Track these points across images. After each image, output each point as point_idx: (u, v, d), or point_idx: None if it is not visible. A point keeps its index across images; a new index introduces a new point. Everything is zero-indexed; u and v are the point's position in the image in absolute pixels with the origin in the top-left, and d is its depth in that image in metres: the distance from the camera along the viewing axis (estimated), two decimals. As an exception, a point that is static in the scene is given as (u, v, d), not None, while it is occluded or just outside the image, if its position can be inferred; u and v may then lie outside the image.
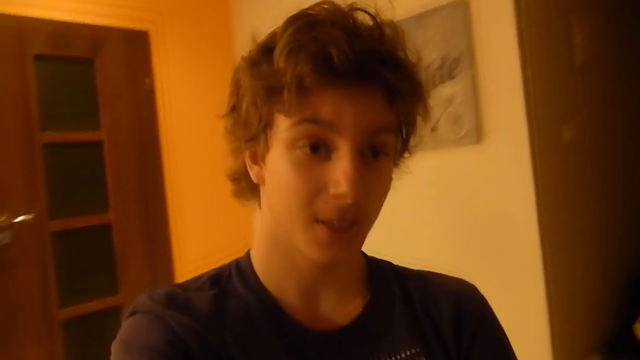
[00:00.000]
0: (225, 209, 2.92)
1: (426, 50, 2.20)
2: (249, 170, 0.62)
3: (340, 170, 0.52)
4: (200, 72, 2.90)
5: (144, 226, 2.69)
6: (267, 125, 0.57)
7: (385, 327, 0.64)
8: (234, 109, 0.60)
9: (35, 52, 2.41)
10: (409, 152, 0.64)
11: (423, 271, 0.73)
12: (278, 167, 0.56)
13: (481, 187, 2.10)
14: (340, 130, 0.53)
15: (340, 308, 0.64)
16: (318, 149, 0.54)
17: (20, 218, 2.31)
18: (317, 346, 0.60)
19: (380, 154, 0.56)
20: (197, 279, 0.65)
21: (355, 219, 0.55)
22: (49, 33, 2.46)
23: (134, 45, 2.71)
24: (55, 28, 2.47)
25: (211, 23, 3.01)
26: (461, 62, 2.10)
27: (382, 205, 0.59)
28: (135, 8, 2.71)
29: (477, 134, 2.08)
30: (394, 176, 0.63)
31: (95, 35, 2.58)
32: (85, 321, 2.51)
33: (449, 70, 2.14)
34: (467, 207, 2.14)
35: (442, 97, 2.16)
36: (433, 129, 2.20)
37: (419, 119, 0.62)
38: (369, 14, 0.57)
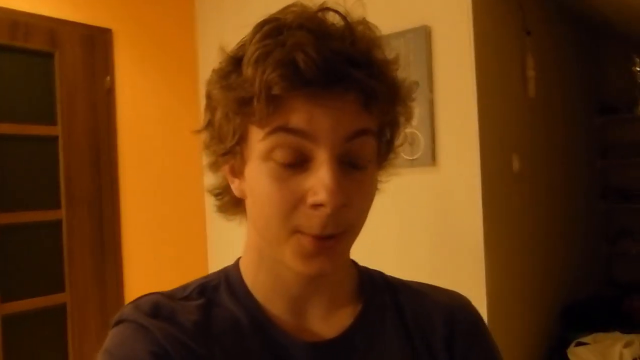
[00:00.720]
0: (176, 213, 2.90)
1: (388, 71, 2.27)
2: (230, 184, 0.60)
3: (318, 180, 0.50)
4: (161, 76, 2.88)
5: (94, 226, 2.64)
6: (241, 138, 0.55)
7: (376, 339, 0.62)
8: (209, 123, 0.58)
9: (-8, 41, 2.35)
10: (395, 154, 0.62)
11: (416, 283, 0.71)
12: (255, 180, 0.54)
13: (433, 208, 2.17)
14: (316, 138, 0.51)
15: (330, 320, 0.62)
16: (294, 159, 0.52)
17: (-36, 210, 2.24)
18: (304, 358, 0.59)
19: (359, 162, 0.54)
20: (184, 287, 0.63)
21: (339, 228, 0.52)
22: (8, 22, 2.39)
23: (96, 43, 2.67)
24: (15, 18, 2.41)
25: (176, 28, 2.99)
26: (420, 85, 2.17)
27: (366, 213, 0.56)
28: (101, 5, 2.67)
29: (432, 156, 2.15)
30: (382, 178, 0.62)
31: (56, 29, 2.53)
32: (28, 318, 2.44)
33: (409, 91, 2.21)
34: (418, 225, 2.21)
35: (400, 118, 2.23)
36: (402, 145, 2.25)
37: (402, 119, 0.60)
38: (339, 13, 0.54)
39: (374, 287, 0.67)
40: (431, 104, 2.16)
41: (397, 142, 0.62)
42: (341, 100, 0.51)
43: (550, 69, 2.63)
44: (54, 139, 2.53)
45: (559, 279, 2.67)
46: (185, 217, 2.95)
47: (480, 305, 2.02)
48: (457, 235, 2.11)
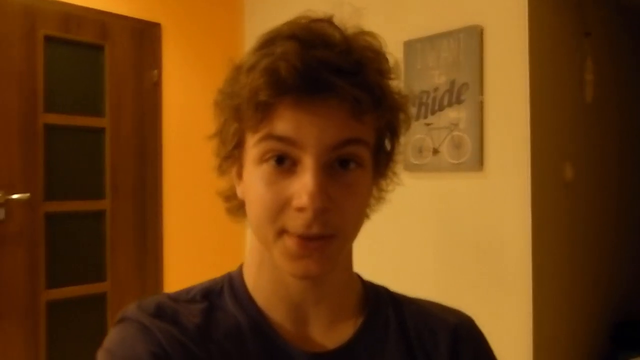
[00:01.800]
0: (218, 207, 2.91)
1: (436, 72, 2.20)
2: (236, 187, 0.63)
3: (301, 184, 0.52)
4: (208, 71, 2.90)
5: (137, 217, 2.69)
6: (239, 143, 0.58)
7: (377, 353, 0.63)
8: (217, 130, 0.62)
9: (46, 32, 2.41)
10: (394, 162, 0.63)
11: (421, 299, 0.71)
12: (250, 183, 0.57)
13: (478, 214, 2.10)
14: (302, 146, 0.52)
15: (332, 330, 0.63)
16: (283, 162, 0.54)
17: (15, 196, 2.31)
18: None
19: (349, 164, 0.55)
20: (189, 290, 0.64)
21: (326, 232, 0.54)
22: (61, 15, 2.46)
23: (145, 37, 2.71)
24: (68, 11, 2.47)
25: (224, 23, 3.01)
26: (470, 87, 2.10)
27: (358, 217, 0.57)
28: (151, 0, 2.71)
29: (479, 161, 2.07)
30: (389, 188, 0.64)
31: (107, 22, 2.58)
32: (70, 305, 2.50)
33: (457, 94, 2.14)
34: (463, 232, 2.14)
35: (447, 120, 2.16)
36: (436, 151, 2.20)
37: (401, 128, 0.61)
38: (331, 23, 0.55)
39: (378, 301, 0.68)
40: (480, 107, 2.08)
41: (396, 150, 0.63)
42: (327, 108, 0.52)
43: (609, 73, 2.50)
44: (101, 131, 2.58)
45: (611, 294, 2.54)
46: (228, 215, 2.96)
47: (526, 321, 1.94)
48: (502, 246, 2.03)
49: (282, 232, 0.54)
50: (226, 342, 0.58)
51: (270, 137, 0.53)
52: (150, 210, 2.73)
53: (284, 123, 0.52)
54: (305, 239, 0.53)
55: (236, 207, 0.65)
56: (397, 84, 0.58)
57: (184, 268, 2.76)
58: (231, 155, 0.60)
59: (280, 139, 0.53)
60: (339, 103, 0.52)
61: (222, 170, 0.64)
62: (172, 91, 2.78)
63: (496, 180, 2.05)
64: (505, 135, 2.03)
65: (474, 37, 2.09)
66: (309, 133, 0.52)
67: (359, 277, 0.70)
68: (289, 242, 0.54)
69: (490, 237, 2.06)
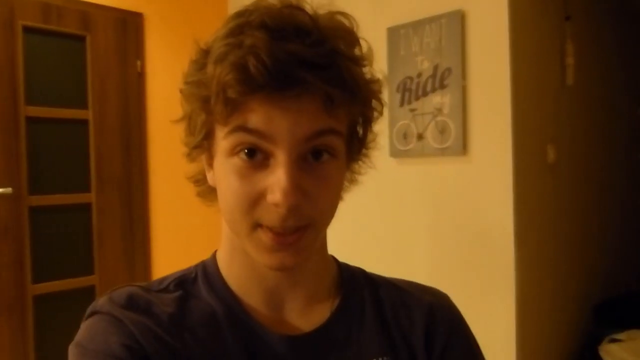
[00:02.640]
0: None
1: (420, 58, 2.22)
2: (206, 173, 0.62)
3: (275, 180, 0.51)
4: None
5: (124, 209, 2.68)
6: (208, 134, 0.56)
7: (353, 334, 0.62)
8: (185, 115, 0.59)
9: (25, 23, 2.38)
10: (367, 149, 0.63)
11: (396, 279, 0.71)
12: (221, 174, 0.56)
13: (463, 198, 2.12)
14: (274, 139, 0.51)
15: (308, 313, 0.63)
16: (254, 155, 0.52)
17: (-2, 190, 2.29)
18: (280, 352, 0.59)
19: (322, 155, 0.54)
20: (162, 280, 0.63)
21: (300, 224, 0.53)
22: (41, 5, 2.42)
23: (128, 27, 2.68)
24: (47, 1, 2.44)
25: (208, 12, 2.98)
26: (453, 72, 2.11)
27: (331, 206, 0.57)
28: (132, -12, 2.68)
29: (463, 145, 2.09)
30: (360, 171, 0.63)
31: (88, 12, 2.55)
32: (58, 298, 2.49)
33: (440, 79, 2.16)
34: (449, 215, 2.16)
35: (431, 106, 2.18)
36: (420, 137, 2.22)
37: (373, 115, 0.59)
38: (304, 12, 0.53)
39: (354, 282, 0.68)
40: (464, 91, 2.10)
41: (369, 138, 0.62)
42: (298, 102, 0.51)
43: (590, 57, 2.53)
44: (85, 123, 2.56)
45: (594, 275, 2.59)
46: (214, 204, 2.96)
47: (509, 300, 1.98)
48: (486, 228, 2.06)
49: (256, 226, 0.54)
50: (201, 330, 0.58)
51: (241, 129, 0.52)
52: (136, 202, 2.72)
53: (255, 116, 0.51)
54: (280, 233, 0.53)
55: (206, 191, 0.64)
56: (370, 70, 0.57)
57: (173, 259, 2.76)
58: (200, 145, 0.58)
59: (251, 131, 0.51)
60: (312, 96, 0.51)
61: (191, 157, 0.62)
62: (157, 81, 2.76)
63: (480, 164, 2.07)
64: (488, 119, 2.05)
65: (456, 22, 2.10)
66: (280, 127, 0.51)
67: (334, 259, 0.70)
68: (264, 237, 0.53)
69: (475, 220, 2.09)
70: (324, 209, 0.56)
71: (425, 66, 2.19)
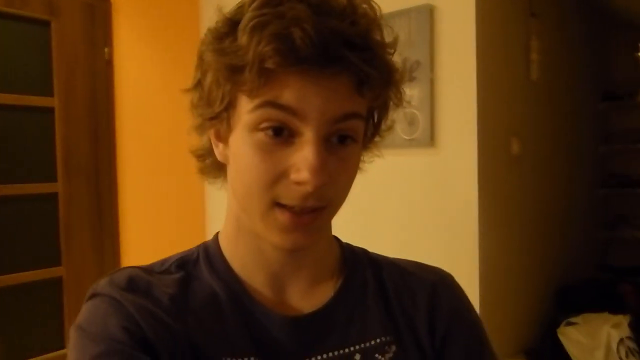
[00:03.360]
0: (175, 185, 2.90)
1: (389, 50, 2.24)
2: (214, 148, 0.60)
3: (302, 158, 0.50)
4: (162, 47, 2.85)
5: (92, 199, 2.64)
6: (229, 105, 0.54)
7: (355, 315, 0.62)
8: (198, 83, 0.57)
9: (-12, 8, 2.31)
10: (380, 136, 0.63)
11: (400, 260, 0.71)
12: (240, 149, 0.54)
13: (430, 188, 2.17)
14: (304, 117, 0.50)
15: (310, 295, 0.62)
16: (281, 133, 0.51)
17: (-40, 179, 2.23)
18: (282, 333, 0.59)
19: (347, 140, 0.53)
20: (163, 261, 0.63)
21: (319, 205, 0.53)
22: (5, -10, 2.36)
23: (95, 12, 2.63)
24: (12, -15, 2.37)
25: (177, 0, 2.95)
26: (422, 65, 2.15)
27: (348, 189, 0.57)
28: (100, -26, 2.63)
29: (431, 137, 2.14)
30: (365, 159, 0.62)
31: (55, -2, 2.49)
32: (24, 290, 2.45)
33: (409, 72, 2.19)
34: (415, 204, 2.21)
35: (400, 98, 2.21)
36: (390, 128, 2.25)
37: (392, 103, 0.59)
38: None
39: (356, 262, 0.67)
40: (432, 84, 2.13)
41: (384, 125, 0.62)
42: (334, 82, 0.50)
43: (554, 53, 2.60)
44: (51, 110, 2.51)
45: (555, 262, 2.68)
46: (184, 189, 2.94)
47: (473, 286, 2.04)
48: (453, 215, 2.11)
49: (273, 205, 0.53)
50: (203, 312, 0.58)
51: (271, 104, 0.50)
52: (105, 191, 2.69)
53: (288, 92, 0.50)
54: (298, 212, 0.52)
55: (210, 167, 0.63)
56: (395, 58, 0.56)
57: (143, 249, 2.74)
58: (218, 117, 0.55)
59: (282, 108, 0.50)
60: (347, 77, 0.50)
61: (201, 129, 0.60)
62: (126, 69, 2.72)
63: (447, 155, 2.12)
64: (455, 112, 2.10)
65: (425, 16, 2.13)
66: (313, 104, 0.50)
67: (337, 240, 0.70)
68: (281, 216, 0.53)
69: (442, 210, 2.14)
70: (342, 192, 0.56)
71: (395, 59, 2.22)
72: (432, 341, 0.63)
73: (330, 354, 0.59)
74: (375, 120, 0.60)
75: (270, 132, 0.51)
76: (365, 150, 0.62)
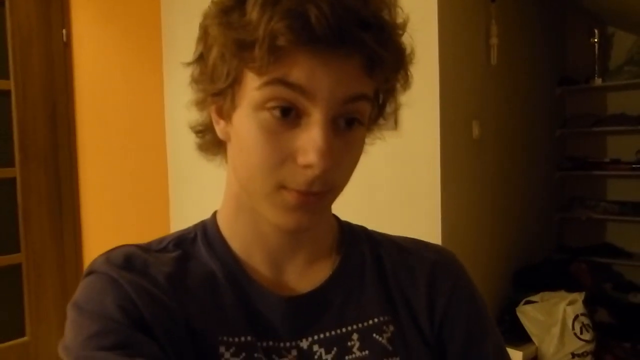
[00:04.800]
0: (137, 170, 2.86)
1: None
2: (214, 124, 0.58)
3: (310, 140, 0.49)
4: (121, 30, 2.78)
5: (50, 184, 2.59)
6: (235, 81, 0.52)
7: (353, 294, 0.62)
8: (200, 57, 0.55)
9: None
10: (384, 119, 0.62)
11: (400, 237, 0.70)
12: (244, 128, 0.52)
13: (394, 172, 2.21)
14: (313, 97, 0.49)
15: (308, 274, 0.62)
16: (288, 114, 0.50)
17: None
18: (279, 312, 0.58)
19: (354, 123, 0.52)
20: (161, 240, 0.62)
21: (325, 187, 0.52)
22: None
23: (52, -7, 2.55)
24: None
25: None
26: (385, 50, 2.17)
27: (352, 172, 0.56)
28: (56, -48, 2.54)
29: (394, 121, 2.17)
30: (367, 141, 0.60)
31: (8, -24, 2.41)
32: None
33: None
34: (379, 187, 2.24)
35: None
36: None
37: (398, 86, 0.58)
38: None
39: (355, 241, 0.67)
40: (395, 69, 2.16)
41: (389, 108, 0.61)
42: (346, 62, 0.49)
43: (513, 38, 2.66)
44: (7, 94, 2.43)
45: (514, 243, 2.77)
46: (146, 174, 2.91)
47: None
48: (415, 198, 2.16)
49: (278, 187, 0.51)
50: (199, 291, 0.57)
51: (279, 82, 0.48)
52: (64, 176, 2.63)
53: (298, 70, 0.48)
54: (304, 193, 0.51)
55: (209, 143, 0.61)
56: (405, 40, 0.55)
57: (104, 234, 2.70)
58: (222, 93, 0.53)
59: (292, 86, 0.48)
60: (359, 58, 0.49)
61: (203, 105, 0.58)
62: (84, 52, 2.65)
63: (409, 139, 2.15)
64: (417, 96, 2.13)
65: (388, 0, 2.15)
66: (322, 84, 0.48)
67: (335, 218, 0.69)
68: (288, 196, 0.52)
69: (405, 191, 2.18)
70: (346, 176, 0.55)
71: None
72: (431, 320, 0.62)
73: (327, 334, 0.59)
74: (380, 102, 0.59)
75: (277, 113, 0.50)
76: (368, 132, 0.60)
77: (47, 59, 2.54)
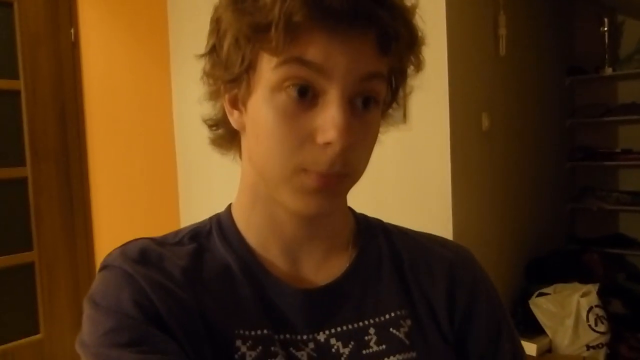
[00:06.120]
0: (147, 168, 2.87)
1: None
2: (228, 116, 0.57)
3: (328, 118, 0.49)
4: (129, 28, 2.79)
5: (62, 182, 2.60)
6: (250, 66, 0.52)
7: (370, 288, 0.61)
8: (213, 48, 0.55)
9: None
10: (397, 104, 0.61)
11: (416, 232, 0.70)
12: (261, 112, 0.52)
13: (404, 165, 2.20)
14: (330, 75, 0.49)
15: (324, 267, 0.61)
16: (306, 94, 0.49)
17: None
18: (295, 306, 0.58)
19: (370, 103, 0.52)
20: (176, 233, 0.61)
21: (344, 170, 0.51)
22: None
23: (59, -8, 2.56)
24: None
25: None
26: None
27: (368, 158, 0.55)
28: (62, -48, 2.55)
29: (403, 114, 2.15)
30: (380, 129, 0.60)
31: (15, -23, 2.42)
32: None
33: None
34: (389, 182, 2.23)
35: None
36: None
37: (411, 69, 0.58)
38: None
39: (371, 234, 0.66)
40: (403, 61, 2.14)
41: (401, 92, 0.60)
42: (361, 39, 0.49)
43: (521, 28, 2.64)
44: (17, 94, 2.45)
45: (525, 234, 2.75)
46: (156, 171, 2.92)
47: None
48: (426, 191, 2.15)
49: (298, 170, 0.51)
50: (215, 284, 0.57)
51: (296, 60, 0.48)
52: (75, 174, 2.64)
53: (314, 48, 0.48)
54: (325, 176, 0.51)
55: (223, 136, 0.61)
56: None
57: (115, 231, 2.72)
58: (236, 80, 0.53)
59: (308, 64, 0.48)
60: (374, 35, 0.49)
61: (216, 95, 0.57)
62: (92, 50, 2.66)
63: (419, 132, 2.14)
64: (426, 89, 2.11)
65: (395, -8, 2.13)
66: (339, 62, 0.48)
67: (351, 211, 0.68)
68: (307, 180, 0.51)
69: (415, 185, 2.17)
70: (365, 159, 0.54)
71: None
72: (450, 316, 0.62)
73: (345, 327, 0.58)
74: (394, 85, 0.59)
75: (294, 92, 0.49)
76: (382, 118, 0.60)
77: (56, 58, 2.56)
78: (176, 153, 2.97)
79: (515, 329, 0.67)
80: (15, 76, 2.44)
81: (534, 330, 2.33)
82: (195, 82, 0.60)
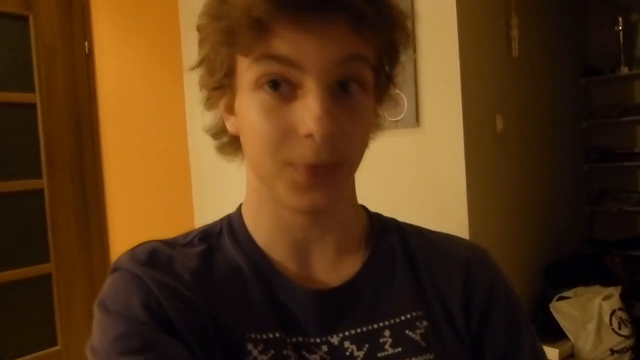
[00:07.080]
0: (161, 177, 2.88)
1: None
2: (226, 123, 0.58)
3: (306, 109, 0.48)
4: (142, 40, 2.82)
5: (77, 193, 2.62)
6: (229, 70, 0.53)
7: (384, 289, 0.60)
8: (202, 59, 0.56)
9: (-37, 4, 2.27)
10: (394, 85, 0.60)
11: (431, 231, 0.69)
12: (246, 114, 0.52)
13: (417, 168, 2.18)
14: (302, 66, 0.48)
15: (336, 267, 0.60)
16: (279, 87, 0.50)
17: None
18: (306, 308, 0.57)
19: (350, 85, 0.51)
20: (186, 234, 0.62)
21: (333, 159, 0.50)
22: (-21, -15, 2.32)
23: (73, 6, 2.59)
24: (-14, -20, 2.33)
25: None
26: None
27: (363, 145, 0.55)
28: (76, -34, 2.59)
29: (416, 117, 2.14)
30: (384, 114, 0.60)
31: (30, -8, 2.45)
32: (13, 288, 2.43)
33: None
34: (403, 185, 2.22)
35: (384, 80, 2.21)
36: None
37: (400, 47, 0.56)
38: None
39: (385, 232, 0.65)
40: (414, 65, 2.14)
41: (395, 71, 0.59)
42: (329, 25, 0.48)
43: (534, 29, 2.62)
44: (32, 106, 2.48)
45: (542, 237, 2.71)
46: (170, 180, 2.93)
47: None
48: (441, 194, 2.13)
49: (286, 164, 0.51)
50: (225, 285, 0.56)
51: (266, 57, 0.49)
52: (90, 185, 2.66)
53: (280, 42, 0.48)
54: (313, 169, 0.50)
55: (227, 143, 0.61)
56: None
57: (131, 241, 2.70)
58: (220, 86, 0.55)
59: (277, 58, 0.49)
60: (343, 18, 0.48)
61: (210, 103, 0.58)
62: (106, 63, 2.69)
63: (432, 135, 2.13)
64: (439, 91, 2.11)
65: (406, -5, 2.13)
66: (308, 51, 0.48)
67: (364, 208, 0.67)
68: (296, 174, 0.50)
69: (429, 188, 2.15)
70: (356, 146, 0.53)
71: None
72: (467, 318, 0.60)
73: (358, 330, 0.57)
74: (387, 69, 0.57)
75: (268, 88, 0.50)
76: (380, 104, 0.59)
77: (71, 71, 2.59)
78: (190, 162, 2.98)
79: (535, 333, 0.65)
80: (31, 89, 2.47)
81: (555, 334, 2.29)
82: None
